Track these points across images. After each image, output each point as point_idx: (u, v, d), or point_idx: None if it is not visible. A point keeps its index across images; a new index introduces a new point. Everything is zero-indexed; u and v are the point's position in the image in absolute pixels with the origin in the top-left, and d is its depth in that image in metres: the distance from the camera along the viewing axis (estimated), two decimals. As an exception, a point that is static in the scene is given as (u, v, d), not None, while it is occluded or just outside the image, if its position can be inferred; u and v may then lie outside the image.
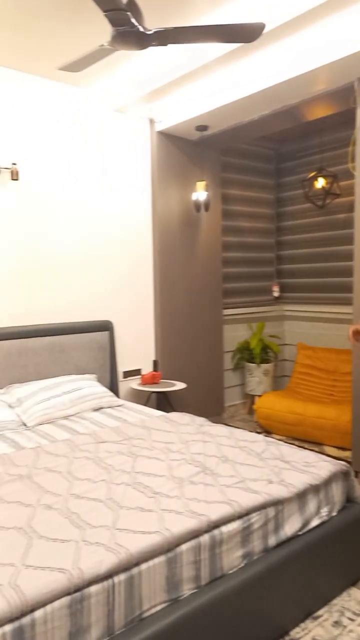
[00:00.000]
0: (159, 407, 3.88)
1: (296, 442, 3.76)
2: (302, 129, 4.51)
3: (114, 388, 3.63)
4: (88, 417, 2.93)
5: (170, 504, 1.74)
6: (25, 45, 2.81)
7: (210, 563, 1.63)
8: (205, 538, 1.63)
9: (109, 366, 3.61)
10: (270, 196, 5.12)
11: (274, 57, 2.89)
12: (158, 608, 1.50)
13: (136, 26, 1.97)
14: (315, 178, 4.47)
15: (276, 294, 5.13)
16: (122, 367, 3.81)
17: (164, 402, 3.91)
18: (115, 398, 3.24)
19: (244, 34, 2.11)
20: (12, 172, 3.10)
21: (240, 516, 1.73)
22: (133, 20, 1.95)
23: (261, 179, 5.01)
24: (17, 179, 3.12)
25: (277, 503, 1.84)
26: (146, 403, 3.86)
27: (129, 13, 1.91)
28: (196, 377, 4.23)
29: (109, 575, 1.42)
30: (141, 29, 2.00)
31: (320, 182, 4.45)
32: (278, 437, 3.96)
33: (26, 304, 3.30)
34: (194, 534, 1.61)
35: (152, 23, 2.46)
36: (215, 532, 1.66)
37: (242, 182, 4.84)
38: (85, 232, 3.56)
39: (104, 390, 3.23)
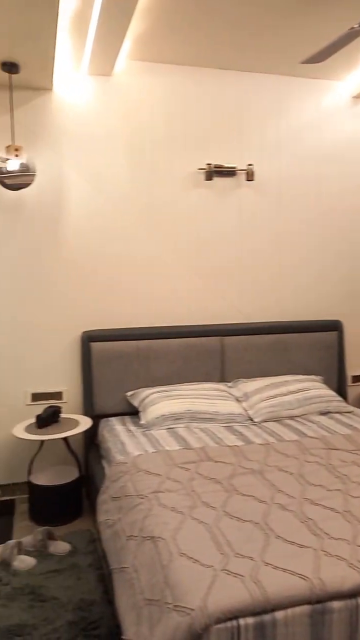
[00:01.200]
0: (392, 418, 3.51)
1: None
2: None
3: (341, 392, 3.43)
4: (315, 420, 2.83)
5: None
6: (260, 45, 2.85)
7: None
8: None
9: (337, 369, 3.43)
10: None
11: None
12: None
13: (395, -4, 1.78)
14: None
15: None
16: (351, 371, 3.57)
17: None
18: (344, 403, 3.06)
19: None
20: (247, 173, 3.20)
21: None
22: (392, -10, 1.76)
23: None
24: (252, 180, 3.20)
25: None
26: (377, 412, 3.55)
27: (387, -17, 1.74)
28: None
29: (352, 594, 1.31)
30: None
31: None
32: None
33: (254, 300, 3.37)
34: None
35: None
36: None
37: None
38: (318, 228, 3.44)
39: (332, 394, 3.08)
